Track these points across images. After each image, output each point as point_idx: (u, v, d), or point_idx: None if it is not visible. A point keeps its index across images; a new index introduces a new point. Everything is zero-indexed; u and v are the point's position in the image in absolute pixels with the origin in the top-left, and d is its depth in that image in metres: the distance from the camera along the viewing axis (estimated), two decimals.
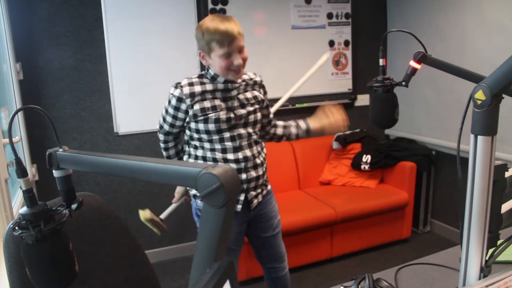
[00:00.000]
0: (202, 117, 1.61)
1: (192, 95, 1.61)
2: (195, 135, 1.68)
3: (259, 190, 1.77)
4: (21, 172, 0.74)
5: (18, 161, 0.74)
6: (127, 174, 0.73)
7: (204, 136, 1.66)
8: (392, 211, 3.03)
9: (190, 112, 1.62)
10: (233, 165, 1.67)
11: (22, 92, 2.48)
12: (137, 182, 2.92)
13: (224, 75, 1.61)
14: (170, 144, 1.81)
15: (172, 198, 1.99)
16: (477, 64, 2.63)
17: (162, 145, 1.82)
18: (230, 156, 1.66)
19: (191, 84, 1.62)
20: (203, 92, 1.62)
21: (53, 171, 0.81)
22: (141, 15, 2.79)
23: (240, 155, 1.67)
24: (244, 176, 1.69)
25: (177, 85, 1.63)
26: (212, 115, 1.61)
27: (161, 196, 2.98)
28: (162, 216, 2.13)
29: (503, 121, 0.87)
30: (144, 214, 2.05)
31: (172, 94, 1.64)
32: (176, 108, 1.64)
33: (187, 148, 1.77)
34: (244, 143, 1.68)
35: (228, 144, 1.66)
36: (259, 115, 1.73)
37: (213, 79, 1.64)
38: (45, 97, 2.68)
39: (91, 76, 2.77)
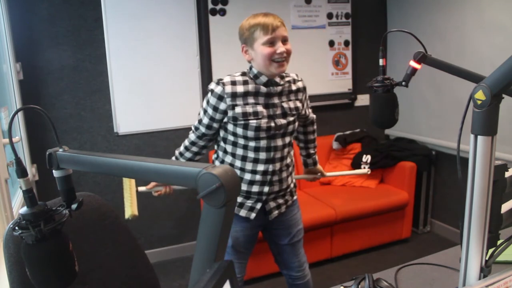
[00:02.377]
0: (242, 122, 1.56)
1: (234, 95, 1.54)
2: (230, 138, 1.62)
3: (280, 201, 1.73)
4: (21, 172, 0.74)
5: (18, 161, 0.74)
6: (127, 174, 0.73)
7: (241, 141, 1.60)
8: (392, 211, 3.03)
9: (230, 114, 1.56)
10: (259, 177, 1.63)
11: (22, 92, 2.48)
12: (137, 182, 2.92)
13: (267, 67, 1.53)
14: (194, 149, 1.72)
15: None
16: (477, 64, 2.62)
17: (186, 143, 1.73)
18: (260, 167, 1.62)
19: (233, 83, 1.55)
20: (245, 94, 1.56)
21: (53, 171, 0.81)
22: (141, 15, 2.79)
23: (270, 167, 1.63)
24: (266, 189, 1.65)
25: (219, 82, 1.55)
26: (253, 122, 1.55)
27: (161, 196, 2.97)
28: (140, 189, 1.93)
29: (503, 121, 0.87)
30: (134, 186, 1.81)
31: (212, 89, 1.56)
32: (215, 108, 1.57)
33: (216, 148, 1.72)
34: (278, 155, 1.64)
35: (262, 154, 1.61)
36: (296, 124, 1.70)
37: (256, 77, 1.57)
38: (45, 97, 2.68)
39: (91, 76, 2.77)
